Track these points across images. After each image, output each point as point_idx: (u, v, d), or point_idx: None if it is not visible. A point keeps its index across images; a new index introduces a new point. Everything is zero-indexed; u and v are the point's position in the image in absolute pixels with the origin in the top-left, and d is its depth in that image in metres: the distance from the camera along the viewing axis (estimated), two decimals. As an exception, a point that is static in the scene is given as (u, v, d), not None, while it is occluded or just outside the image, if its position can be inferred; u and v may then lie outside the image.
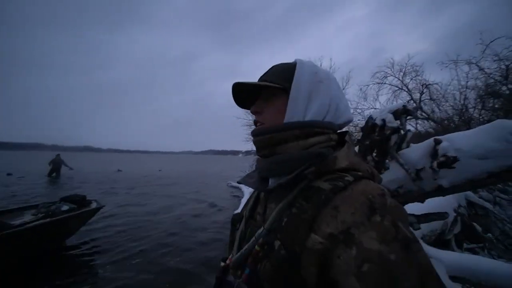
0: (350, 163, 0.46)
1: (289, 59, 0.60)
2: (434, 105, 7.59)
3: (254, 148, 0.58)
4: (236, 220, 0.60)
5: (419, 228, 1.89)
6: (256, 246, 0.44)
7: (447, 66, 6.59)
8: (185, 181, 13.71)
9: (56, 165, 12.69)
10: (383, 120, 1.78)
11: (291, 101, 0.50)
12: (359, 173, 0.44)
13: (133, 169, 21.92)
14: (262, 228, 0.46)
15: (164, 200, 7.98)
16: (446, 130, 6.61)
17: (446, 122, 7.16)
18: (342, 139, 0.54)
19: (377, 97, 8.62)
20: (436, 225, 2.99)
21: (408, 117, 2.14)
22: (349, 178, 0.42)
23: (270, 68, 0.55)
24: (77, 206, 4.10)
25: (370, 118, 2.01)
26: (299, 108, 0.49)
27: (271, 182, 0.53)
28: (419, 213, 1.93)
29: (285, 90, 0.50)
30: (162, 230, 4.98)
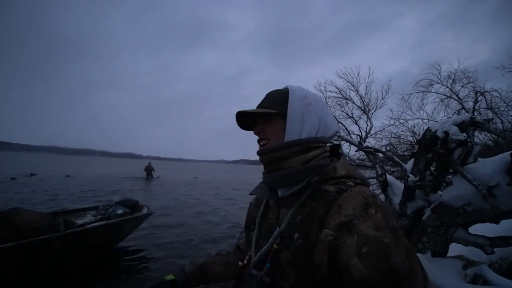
0: (348, 172, 0.56)
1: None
2: (492, 114, 6.75)
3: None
4: (249, 223, 0.71)
5: (492, 253, 1.69)
6: (274, 245, 0.53)
7: (510, 71, 5.84)
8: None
9: (147, 170, 18.04)
10: (446, 133, 1.67)
11: (289, 123, 0.58)
12: (358, 180, 0.55)
13: (170, 175, 23.12)
14: (278, 229, 0.54)
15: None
16: (510, 143, 5.81)
17: (510, 133, 6.29)
18: (334, 150, 0.64)
19: (423, 105, 7.98)
20: (508, 251, 2.60)
21: (477, 129, 1.98)
22: (350, 183, 0.52)
23: (266, 95, 0.65)
24: (130, 210, 4.49)
25: (429, 130, 1.91)
26: (295, 128, 0.58)
27: (281, 192, 0.61)
28: (492, 236, 1.73)
29: (280, 114, 0.60)
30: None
